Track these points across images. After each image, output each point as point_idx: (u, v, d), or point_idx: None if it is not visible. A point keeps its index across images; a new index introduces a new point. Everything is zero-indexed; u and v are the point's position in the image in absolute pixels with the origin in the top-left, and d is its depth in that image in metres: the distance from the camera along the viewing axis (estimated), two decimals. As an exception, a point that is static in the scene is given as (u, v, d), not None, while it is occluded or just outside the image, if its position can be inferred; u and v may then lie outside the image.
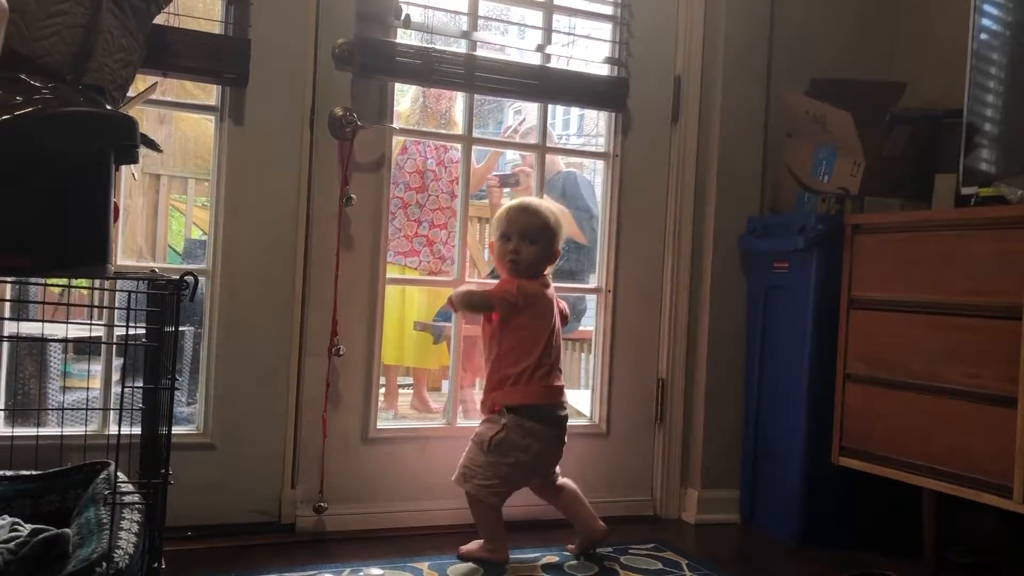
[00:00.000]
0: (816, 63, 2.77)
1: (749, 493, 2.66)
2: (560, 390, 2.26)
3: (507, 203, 2.38)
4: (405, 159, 3.65)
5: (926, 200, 2.43)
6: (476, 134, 2.61)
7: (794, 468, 2.48)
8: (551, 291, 2.31)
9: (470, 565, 2.16)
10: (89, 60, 1.69)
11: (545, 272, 2.32)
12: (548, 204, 2.37)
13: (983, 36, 2.27)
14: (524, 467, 2.20)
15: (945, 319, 2.11)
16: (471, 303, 2.30)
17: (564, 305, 2.39)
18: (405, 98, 3.70)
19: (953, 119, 2.39)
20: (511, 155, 4.45)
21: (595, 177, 4.23)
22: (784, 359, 2.55)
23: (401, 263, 3.66)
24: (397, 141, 3.56)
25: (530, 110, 2.97)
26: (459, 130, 2.63)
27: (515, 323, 2.23)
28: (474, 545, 2.22)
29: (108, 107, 1.62)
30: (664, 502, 2.71)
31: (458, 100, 3.52)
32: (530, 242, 2.26)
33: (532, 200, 2.38)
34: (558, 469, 2.31)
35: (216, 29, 2.23)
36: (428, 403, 4.07)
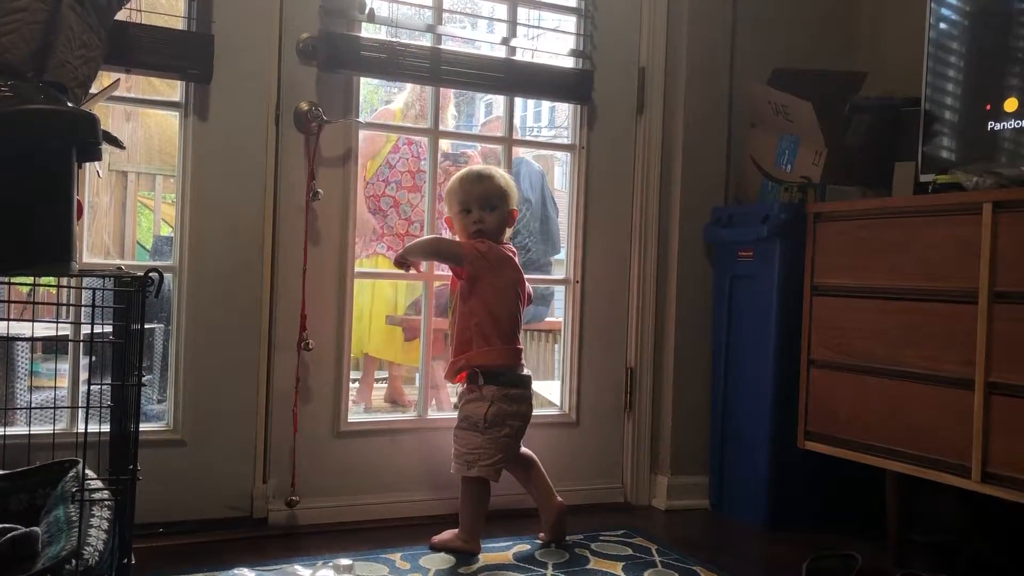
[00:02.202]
0: (778, 54, 2.80)
1: (718, 479, 2.70)
2: (521, 352, 2.30)
3: (454, 176, 2.36)
4: (397, 158, 3.65)
5: (886, 188, 2.47)
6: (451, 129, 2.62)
7: (761, 453, 2.52)
8: (516, 259, 2.33)
9: (442, 555, 2.17)
10: (50, 57, 1.69)
11: (505, 239, 2.34)
12: (494, 168, 2.38)
13: (942, 26, 2.31)
14: (518, 433, 2.24)
15: (904, 304, 2.15)
16: (439, 249, 2.31)
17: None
18: (399, 97, 3.71)
19: (912, 108, 2.43)
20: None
21: (565, 168, 4.26)
22: (750, 346, 2.59)
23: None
24: (389, 139, 3.59)
25: (499, 103, 2.98)
26: (449, 128, 2.63)
27: (485, 282, 2.25)
28: (447, 535, 2.24)
29: (70, 104, 1.61)
30: (634, 489, 2.74)
31: (451, 101, 3.54)
32: (491, 209, 2.28)
33: (480, 167, 2.38)
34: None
35: (179, 25, 2.22)
36: (404, 396, 4.09)
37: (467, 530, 2.22)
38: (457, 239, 2.32)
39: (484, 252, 2.24)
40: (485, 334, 2.24)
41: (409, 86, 3.55)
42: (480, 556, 2.18)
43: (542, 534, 2.32)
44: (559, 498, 2.32)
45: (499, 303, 2.25)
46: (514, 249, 2.35)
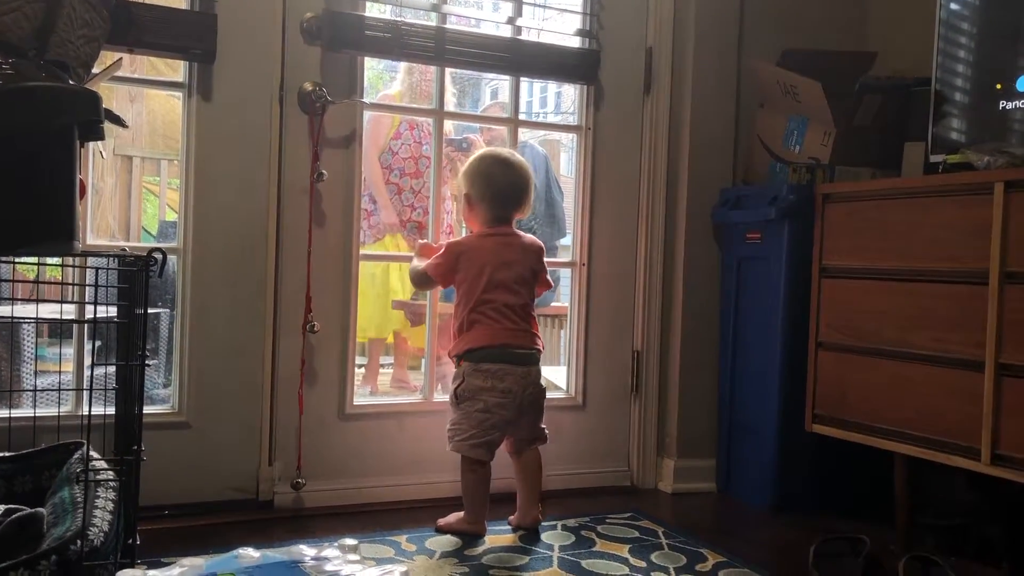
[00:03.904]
0: (787, 33, 2.77)
1: (725, 462, 2.69)
2: (516, 332, 2.25)
3: None
4: (399, 144, 3.63)
5: (896, 168, 2.45)
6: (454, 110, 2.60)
7: (768, 436, 2.51)
8: (501, 239, 2.28)
9: (449, 537, 2.17)
10: (51, 36, 1.68)
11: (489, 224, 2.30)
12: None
13: (952, 5, 2.28)
14: (499, 408, 2.19)
15: (914, 286, 2.13)
16: (414, 280, 2.40)
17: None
18: (396, 81, 3.69)
19: (922, 87, 2.40)
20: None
21: (571, 154, 4.24)
22: (758, 328, 2.57)
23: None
24: (392, 124, 3.56)
25: (504, 88, 2.95)
26: (449, 109, 2.61)
27: (456, 280, 2.29)
28: (452, 518, 2.23)
29: (72, 83, 1.60)
30: (641, 472, 2.73)
31: (447, 82, 3.50)
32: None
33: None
34: (544, 425, 2.31)
35: (182, 4, 2.21)
36: (408, 380, 4.08)
37: (471, 512, 2.21)
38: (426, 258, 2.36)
39: (441, 262, 2.29)
40: (459, 328, 2.28)
41: (406, 71, 3.53)
42: (486, 538, 2.17)
43: (511, 517, 2.30)
44: (538, 512, 2.28)
45: (469, 293, 2.25)
46: (504, 230, 2.29)
